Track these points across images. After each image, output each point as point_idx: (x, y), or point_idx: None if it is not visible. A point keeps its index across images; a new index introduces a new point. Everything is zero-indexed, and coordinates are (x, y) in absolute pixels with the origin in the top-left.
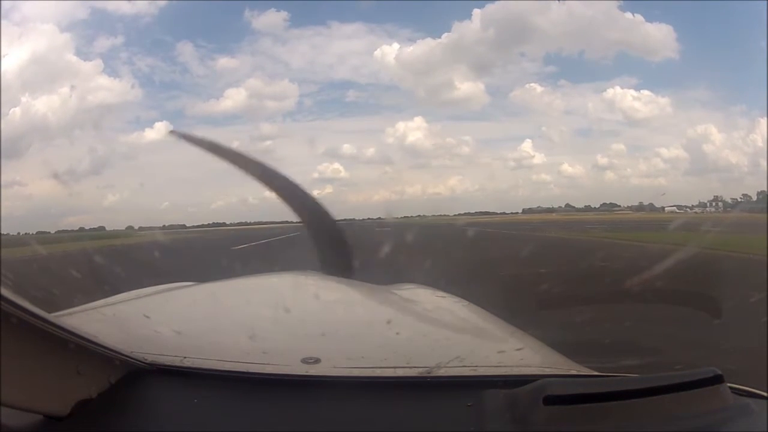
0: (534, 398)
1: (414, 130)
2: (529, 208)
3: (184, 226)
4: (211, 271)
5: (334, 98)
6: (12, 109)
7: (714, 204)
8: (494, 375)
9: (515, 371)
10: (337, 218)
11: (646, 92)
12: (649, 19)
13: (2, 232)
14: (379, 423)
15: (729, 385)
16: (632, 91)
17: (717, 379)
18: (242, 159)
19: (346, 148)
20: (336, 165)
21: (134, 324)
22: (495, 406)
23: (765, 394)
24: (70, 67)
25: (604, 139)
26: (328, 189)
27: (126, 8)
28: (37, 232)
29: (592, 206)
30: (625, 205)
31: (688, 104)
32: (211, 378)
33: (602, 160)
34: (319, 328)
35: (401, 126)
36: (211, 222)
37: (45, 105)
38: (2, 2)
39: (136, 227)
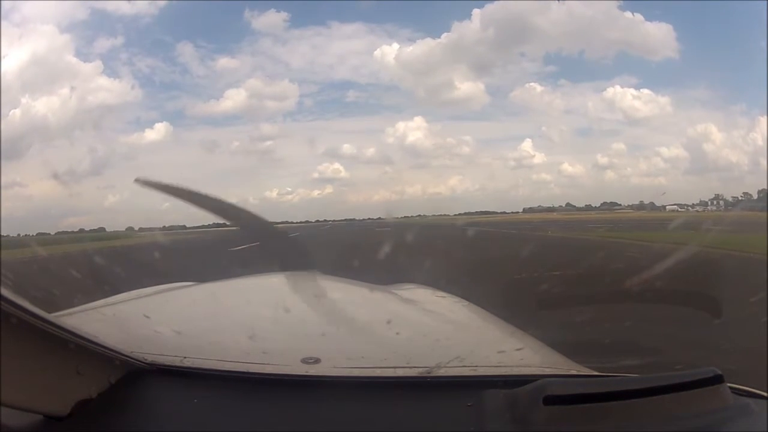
0: (534, 398)
1: (414, 130)
2: (530, 208)
3: (184, 227)
4: (209, 272)
5: (334, 98)
6: (12, 110)
7: (715, 203)
8: (494, 375)
9: (515, 371)
10: (337, 218)
11: (646, 91)
12: (649, 18)
13: (2, 234)
14: (379, 423)
15: (729, 385)
16: (632, 91)
17: (717, 379)
18: (199, 198)
19: (346, 148)
20: (336, 165)
21: (134, 324)
22: (495, 406)
23: (765, 394)
24: (70, 68)
25: (605, 138)
26: (328, 189)
27: (126, 9)
28: (37, 234)
29: (593, 205)
30: (626, 204)
31: (688, 103)
32: (211, 378)
33: (602, 160)
34: (319, 328)
35: (401, 126)
36: (211, 222)
37: (45, 106)
38: (2, 3)
39: (137, 228)
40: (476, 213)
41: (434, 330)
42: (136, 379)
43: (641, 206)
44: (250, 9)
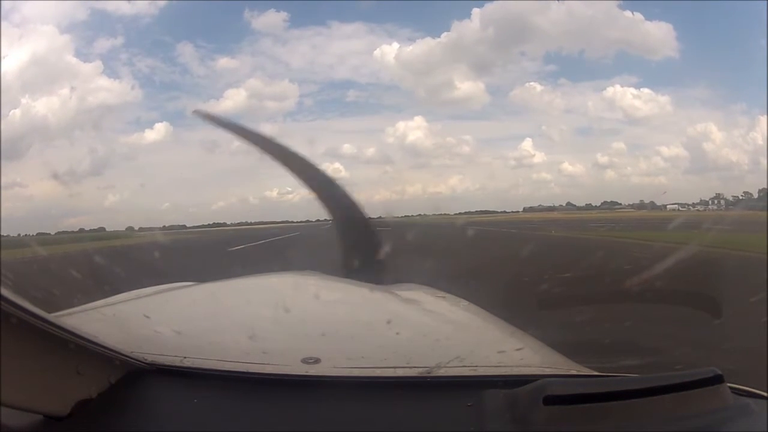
0: (534, 398)
1: (414, 129)
2: (530, 207)
3: (184, 227)
4: (207, 271)
5: (335, 98)
6: (12, 111)
7: (716, 202)
8: (494, 375)
9: (515, 371)
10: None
11: (646, 91)
12: (649, 17)
13: (2, 234)
14: (379, 423)
15: (729, 385)
16: (632, 90)
17: (717, 379)
18: (274, 147)
19: (347, 147)
20: (336, 165)
21: (134, 324)
22: (495, 406)
23: (765, 394)
24: (70, 68)
25: (605, 137)
26: None
27: (126, 9)
28: (37, 234)
29: (593, 205)
30: (626, 204)
31: (688, 103)
32: (211, 378)
33: (602, 159)
34: (319, 328)
35: (401, 125)
36: (211, 222)
37: (45, 106)
38: (2, 3)
39: (137, 228)
40: (476, 212)
41: (434, 330)
42: (136, 379)
43: (642, 205)
44: (250, 9)
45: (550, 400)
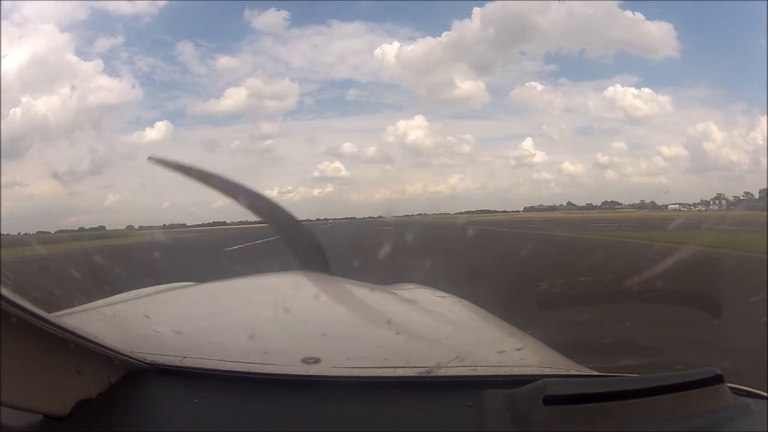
0: (534, 398)
1: (415, 128)
2: (531, 207)
3: (184, 226)
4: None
5: (335, 97)
6: (12, 110)
7: (717, 202)
8: (494, 375)
9: (515, 371)
10: (337, 217)
11: (646, 90)
12: (650, 17)
13: (2, 233)
14: (379, 423)
15: (729, 385)
16: (633, 90)
17: (717, 379)
18: (215, 180)
19: (347, 147)
20: (337, 164)
21: (134, 324)
22: (495, 406)
23: (765, 394)
24: (71, 67)
25: (605, 137)
26: (329, 188)
27: (126, 8)
28: (37, 232)
29: (594, 204)
30: (627, 203)
31: (689, 102)
32: (211, 378)
33: (603, 159)
34: (319, 328)
35: (402, 125)
36: (211, 221)
37: (45, 105)
38: (2, 3)
39: (137, 227)
40: (477, 212)
41: (434, 330)
42: (136, 379)
43: (643, 205)
44: (250, 8)
45: (550, 400)
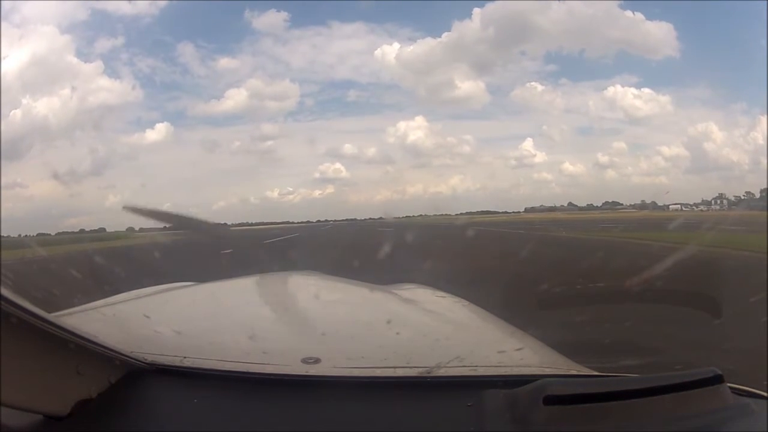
0: (534, 398)
1: (415, 129)
2: (532, 207)
3: None
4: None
5: (335, 98)
6: (12, 111)
7: (718, 202)
8: (494, 375)
9: (515, 371)
10: (338, 218)
11: (646, 90)
12: (650, 17)
13: (3, 234)
14: (379, 423)
15: (729, 385)
16: (633, 90)
17: (717, 379)
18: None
19: (347, 147)
20: (337, 165)
21: (134, 324)
22: (495, 406)
23: (765, 394)
24: (71, 68)
25: (605, 137)
26: (330, 189)
27: (126, 9)
28: (37, 234)
29: (595, 205)
30: (628, 204)
31: (689, 102)
32: (211, 378)
33: (603, 159)
34: (319, 328)
35: (402, 125)
36: (212, 223)
37: (45, 106)
38: (2, 3)
39: (137, 228)
40: (478, 213)
41: (434, 330)
42: (136, 379)
43: (644, 206)
44: (251, 9)
45: (550, 400)
